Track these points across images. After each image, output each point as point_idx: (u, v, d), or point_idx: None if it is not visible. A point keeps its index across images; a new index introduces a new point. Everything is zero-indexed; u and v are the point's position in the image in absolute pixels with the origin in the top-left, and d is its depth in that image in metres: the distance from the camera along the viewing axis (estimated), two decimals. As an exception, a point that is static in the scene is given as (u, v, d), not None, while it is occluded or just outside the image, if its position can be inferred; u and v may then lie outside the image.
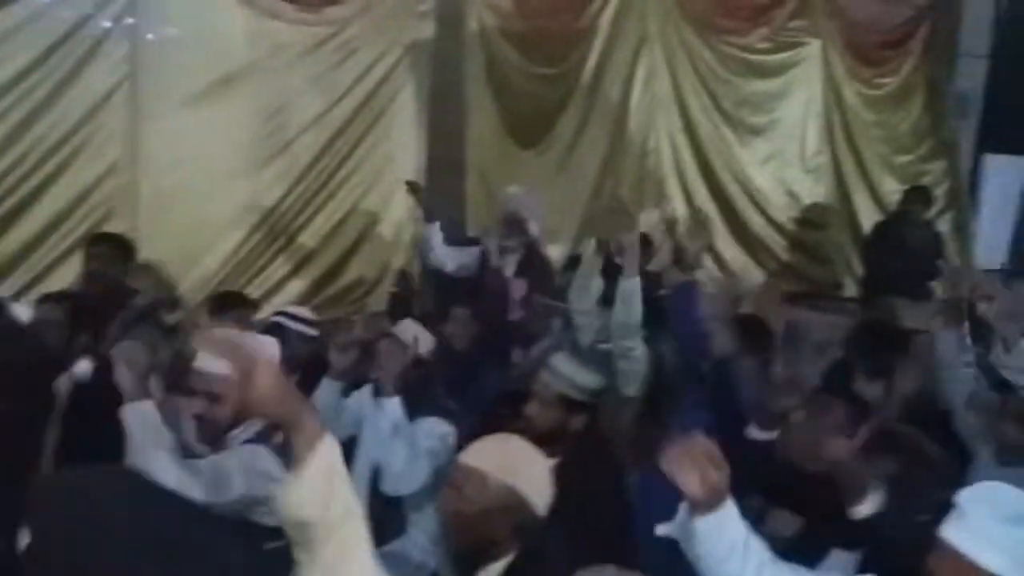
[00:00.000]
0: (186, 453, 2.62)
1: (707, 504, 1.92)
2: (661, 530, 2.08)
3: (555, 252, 6.79)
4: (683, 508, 1.99)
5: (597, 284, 4.17)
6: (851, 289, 8.11)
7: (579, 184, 7.32)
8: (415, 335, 3.60)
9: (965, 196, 8.98)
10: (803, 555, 2.27)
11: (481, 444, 2.26)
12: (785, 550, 2.16)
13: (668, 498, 2.07)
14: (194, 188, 5.95)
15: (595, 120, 7.35)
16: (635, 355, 3.82)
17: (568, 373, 3.13)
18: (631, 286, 3.85)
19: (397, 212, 6.49)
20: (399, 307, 5.55)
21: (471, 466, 2.17)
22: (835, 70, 8.30)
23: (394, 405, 3.32)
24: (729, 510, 1.95)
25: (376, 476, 3.38)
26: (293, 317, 4.13)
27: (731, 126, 7.98)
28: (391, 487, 3.32)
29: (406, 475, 3.28)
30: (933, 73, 8.74)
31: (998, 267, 8.42)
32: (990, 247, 8.88)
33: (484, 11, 6.76)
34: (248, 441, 2.65)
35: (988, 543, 1.65)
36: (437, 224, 5.59)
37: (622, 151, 7.47)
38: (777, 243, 8.12)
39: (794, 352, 5.10)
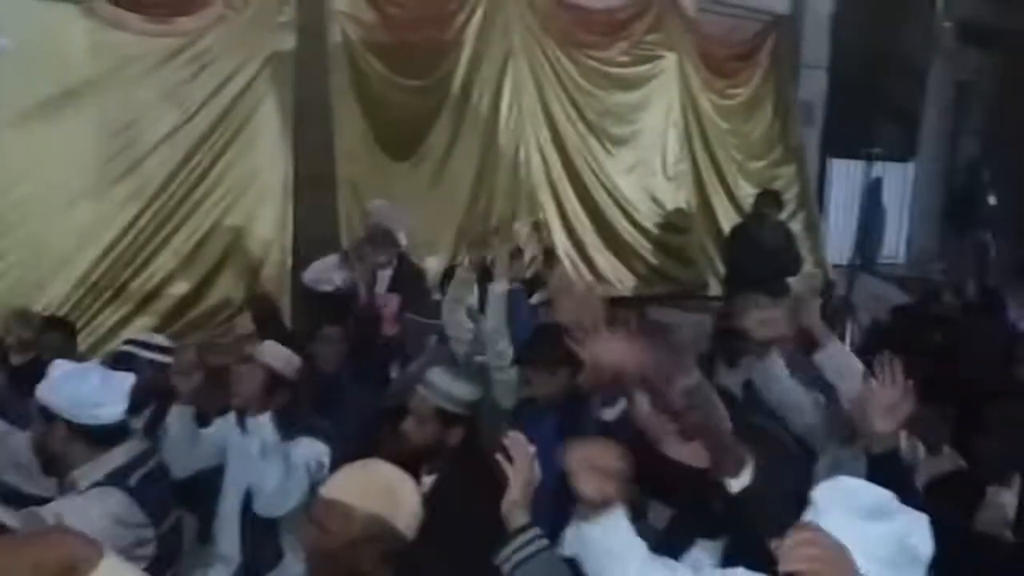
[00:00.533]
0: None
1: (598, 507, 1.82)
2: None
3: (433, 264, 5.88)
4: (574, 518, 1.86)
5: (470, 298, 3.86)
6: (716, 288, 7.43)
7: (454, 196, 6.50)
8: (278, 356, 3.11)
9: (813, 198, 8.55)
10: (671, 547, 2.07)
11: (342, 474, 1.98)
12: (656, 543, 1.99)
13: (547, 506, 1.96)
14: (35, 210, 4.81)
15: (466, 132, 6.52)
16: (507, 365, 3.51)
17: (444, 386, 2.79)
18: (498, 292, 3.57)
19: (264, 229, 5.47)
20: (265, 329, 4.54)
21: (332, 499, 1.88)
22: (691, 82, 7.71)
23: (263, 424, 2.86)
24: (619, 515, 1.84)
25: (249, 500, 2.95)
26: (145, 345, 3.42)
27: (596, 137, 7.28)
28: (265, 508, 2.89)
29: (281, 495, 2.84)
30: (780, 84, 8.28)
31: (845, 263, 7.95)
32: (838, 245, 8.46)
33: (347, 23, 5.83)
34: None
35: (842, 539, 1.44)
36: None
37: (494, 163, 6.66)
38: (645, 248, 7.47)
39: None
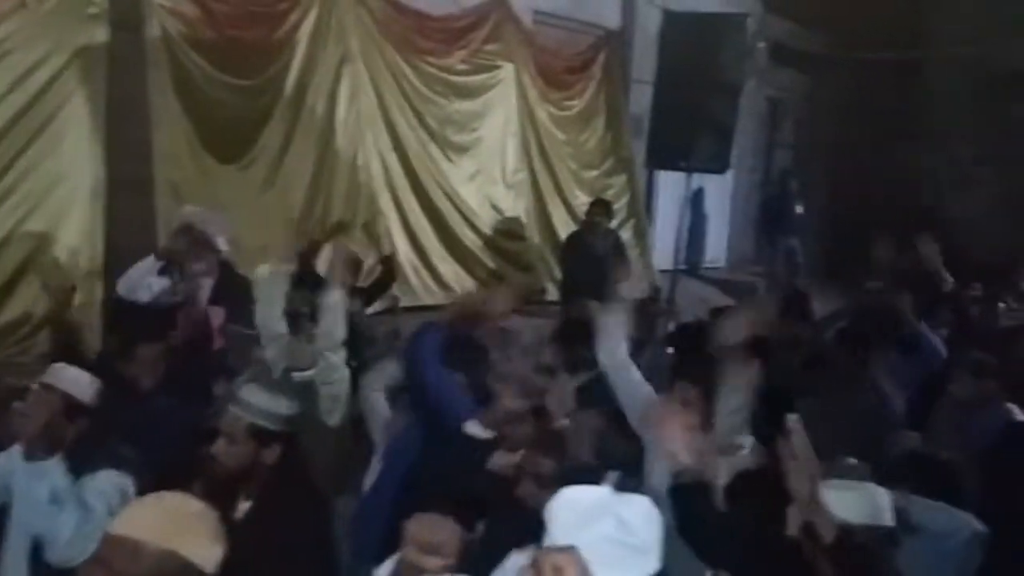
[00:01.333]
0: None
1: None
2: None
3: (264, 272, 5.27)
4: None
5: (278, 308, 3.52)
6: (554, 294, 7.23)
7: (288, 200, 5.95)
8: (73, 381, 2.70)
9: (643, 207, 8.51)
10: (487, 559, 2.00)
11: (132, 509, 1.74)
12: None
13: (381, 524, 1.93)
14: None
15: (301, 135, 6.00)
16: (337, 378, 3.34)
17: (258, 402, 2.54)
18: (332, 299, 3.34)
19: (70, 236, 4.75)
20: (64, 348, 3.88)
21: (120, 535, 1.59)
22: (528, 92, 7.49)
23: (52, 467, 2.53)
24: None
25: (39, 547, 2.57)
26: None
27: (438, 144, 6.92)
28: (59, 558, 2.50)
29: (77, 543, 2.46)
30: (611, 97, 8.20)
31: (671, 268, 7.97)
32: (664, 251, 8.46)
33: (167, 17, 5.19)
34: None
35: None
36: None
37: (332, 167, 6.18)
38: (486, 254, 7.13)
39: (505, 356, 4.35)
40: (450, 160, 7.05)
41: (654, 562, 1.53)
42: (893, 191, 9.84)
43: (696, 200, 9.30)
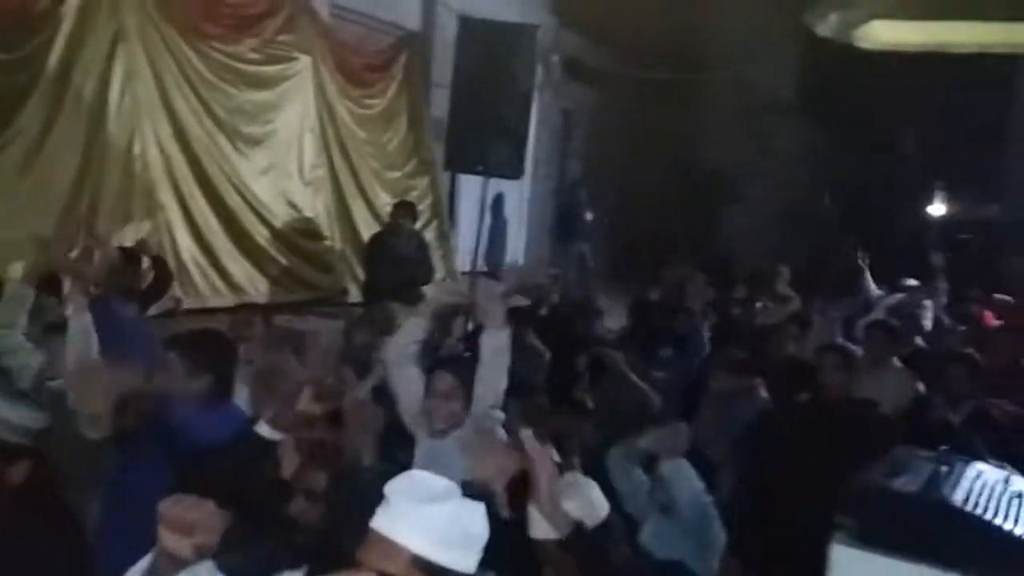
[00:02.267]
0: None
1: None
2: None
3: (18, 271, 4.37)
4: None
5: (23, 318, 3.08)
6: (357, 295, 6.66)
7: (52, 187, 4.95)
8: None
9: (445, 209, 8.13)
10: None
11: None
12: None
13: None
14: None
15: (66, 117, 5.13)
16: None
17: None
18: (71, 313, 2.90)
19: None
20: None
21: None
22: (327, 87, 6.89)
23: None
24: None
25: None
26: None
27: (227, 135, 6.17)
28: None
29: None
30: (413, 99, 7.77)
31: (478, 270, 7.65)
32: (467, 253, 8.13)
33: None
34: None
35: (405, 524, 1.47)
36: None
37: (102, 154, 5.29)
38: (282, 253, 6.43)
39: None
40: (241, 152, 6.33)
41: (473, 564, 1.52)
42: (674, 202, 10.13)
43: (496, 205, 9.11)
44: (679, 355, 5.27)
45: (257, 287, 6.33)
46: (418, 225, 6.99)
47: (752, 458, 3.73)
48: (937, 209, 11.17)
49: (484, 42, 6.63)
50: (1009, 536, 2.05)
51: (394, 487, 1.55)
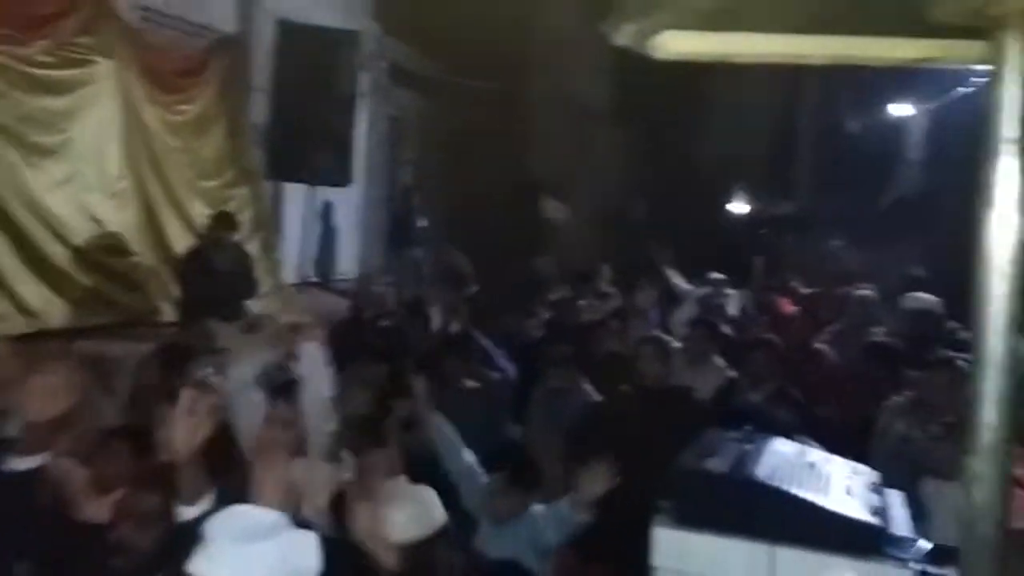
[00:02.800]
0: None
1: None
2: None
3: None
4: None
5: None
6: (170, 314, 6.05)
7: None
8: None
9: (270, 219, 7.62)
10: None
11: None
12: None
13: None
14: None
15: None
16: None
17: None
18: None
19: None
20: None
21: None
22: (133, 93, 6.28)
23: None
24: None
25: None
26: None
27: (15, 145, 5.39)
28: None
29: None
30: (231, 104, 7.21)
31: (307, 281, 7.26)
32: (297, 264, 7.70)
33: None
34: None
35: (220, 564, 1.38)
36: None
37: None
38: (83, 273, 5.73)
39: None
40: (32, 164, 5.57)
41: None
42: (503, 206, 10.13)
43: (326, 213, 8.70)
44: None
45: (52, 311, 5.61)
46: (239, 237, 6.49)
47: (581, 450, 3.70)
48: (737, 208, 11.91)
49: (304, 47, 6.35)
50: (804, 503, 2.23)
51: (212, 526, 1.44)
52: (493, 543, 2.78)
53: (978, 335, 0.87)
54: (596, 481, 2.77)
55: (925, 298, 5.86)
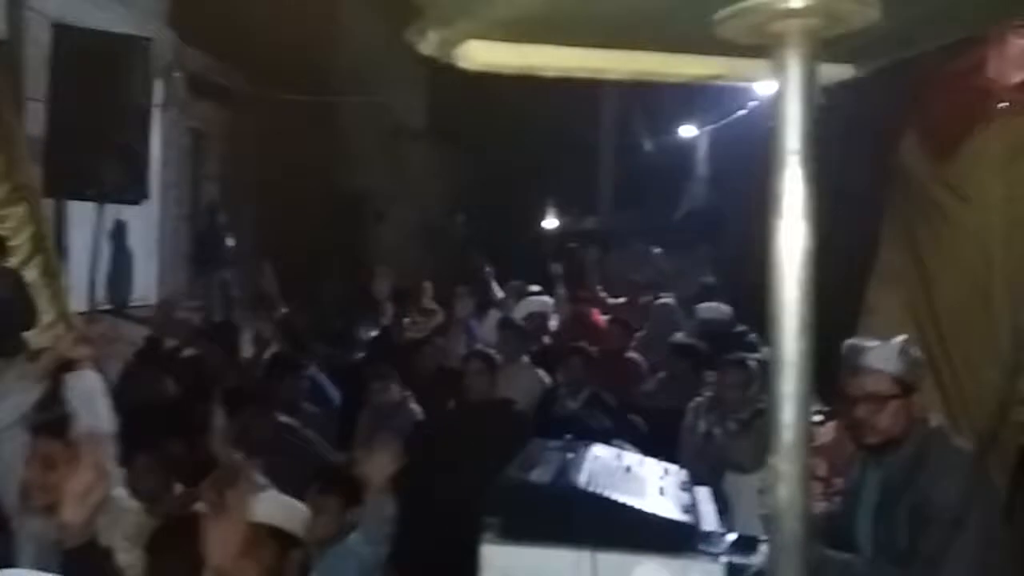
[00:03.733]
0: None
1: None
2: None
3: None
4: None
5: None
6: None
7: None
8: None
9: (51, 242, 6.83)
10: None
11: None
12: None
13: None
14: None
15: None
16: None
17: None
18: None
19: None
20: None
21: None
22: None
23: None
24: None
25: None
26: None
27: None
28: None
29: None
30: (3, 115, 6.35)
31: (100, 308, 6.63)
32: (87, 290, 6.99)
33: None
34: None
35: None
36: None
37: None
38: None
39: None
40: None
41: None
42: (322, 224, 9.80)
43: (118, 234, 7.97)
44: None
45: None
46: (14, 262, 5.78)
47: (408, 468, 3.77)
48: (549, 223, 12.37)
49: (87, 54, 5.80)
50: (622, 507, 2.30)
51: None
52: (320, 570, 2.64)
53: (774, 339, 0.89)
54: (379, 466, 2.68)
55: (716, 306, 6.37)
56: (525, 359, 5.27)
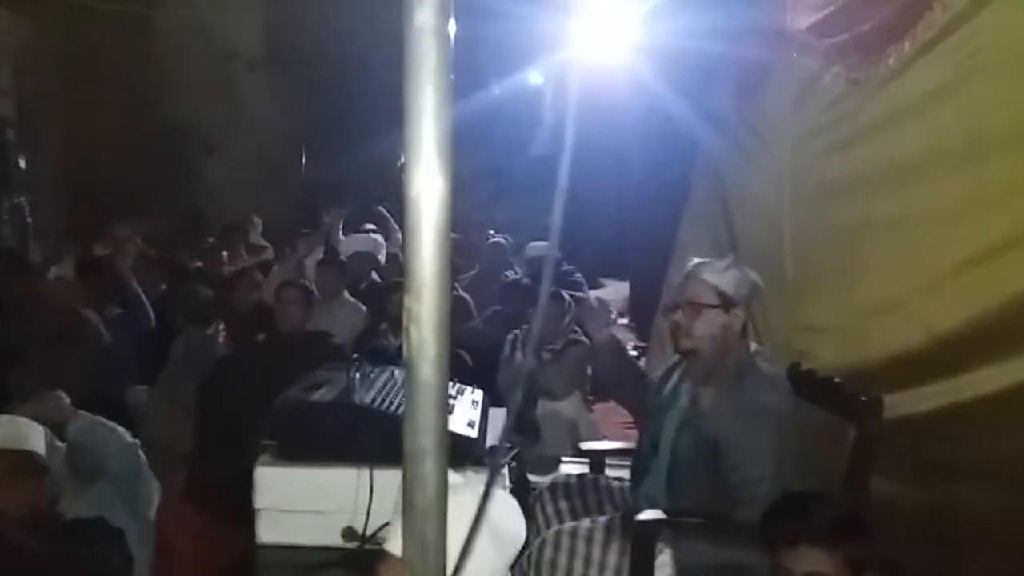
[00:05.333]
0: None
1: None
2: None
3: None
4: None
5: None
6: None
7: None
8: None
9: None
10: None
11: None
12: None
13: None
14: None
15: None
16: None
17: None
18: None
19: None
20: None
21: None
22: None
23: None
24: None
25: None
26: None
27: None
28: None
29: None
30: None
31: None
32: None
33: None
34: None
35: None
36: None
37: None
38: None
39: None
40: None
41: None
42: (140, 150, 9.03)
43: None
44: (129, 314, 4.86)
45: None
46: None
47: (212, 403, 3.67)
48: (397, 164, 12.10)
49: None
50: (400, 420, 2.24)
51: None
52: (79, 502, 2.46)
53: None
54: None
55: (543, 244, 6.53)
56: (346, 295, 5.17)
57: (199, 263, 6.39)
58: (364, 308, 5.03)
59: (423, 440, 0.87)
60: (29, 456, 1.99)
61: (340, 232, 7.12)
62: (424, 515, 0.86)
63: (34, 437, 2.03)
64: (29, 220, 7.43)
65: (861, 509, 1.98)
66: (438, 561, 0.86)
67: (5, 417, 2.10)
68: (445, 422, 0.89)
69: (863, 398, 2.37)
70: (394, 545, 1.38)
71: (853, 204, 3.17)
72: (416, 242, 0.80)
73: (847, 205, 3.20)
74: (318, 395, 2.45)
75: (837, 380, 2.54)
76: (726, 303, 2.49)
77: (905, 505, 2.71)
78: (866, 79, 3.12)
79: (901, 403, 2.69)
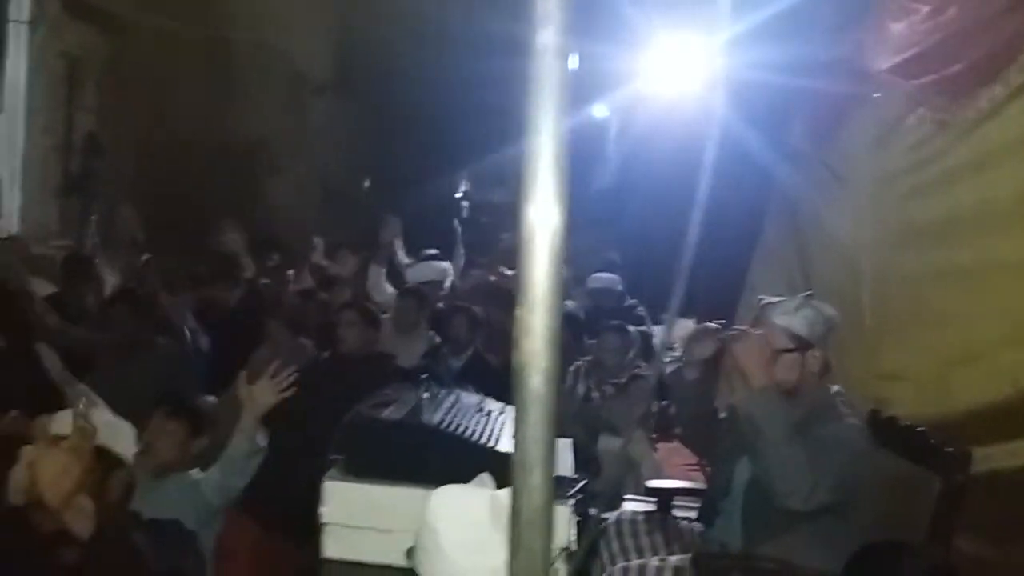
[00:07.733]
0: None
1: None
2: None
3: None
4: None
5: None
6: None
7: None
8: None
9: None
10: None
11: None
12: None
13: None
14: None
15: None
16: None
17: None
18: None
19: None
20: None
21: None
22: None
23: None
24: None
25: None
26: None
27: None
28: None
29: None
30: None
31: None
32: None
33: None
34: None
35: None
36: None
37: None
38: None
39: None
40: None
41: None
42: (210, 168, 9.39)
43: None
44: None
45: None
46: None
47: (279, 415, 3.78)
48: (459, 192, 12.33)
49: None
50: (468, 443, 2.34)
51: None
52: (151, 499, 2.56)
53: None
54: (263, 392, 2.72)
55: (606, 276, 6.60)
56: (422, 324, 5.28)
57: (265, 280, 6.56)
58: (434, 335, 5.13)
59: (532, 451, 0.90)
60: (119, 458, 2.10)
61: (402, 253, 7.22)
62: (530, 525, 0.90)
63: (125, 437, 2.14)
64: (101, 233, 7.76)
65: (951, 564, 1.92)
66: (543, 571, 0.89)
67: (108, 415, 2.20)
68: (554, 433, 0.92)
69: (950, 449, 2.33)
70: (416, 563, 1.39)
71: (936, 249, 3.14)
72: (531, 251, 0.85)
73: (930, 249, 3.17)
74: (387, 413, 2.52)
75: (921, 429, 2.49)
76: (801, 346, 2.42)
77: (989, 563, 2.64)
78: (953, 121, 3.10)
79: (988, 457, 2.63)
